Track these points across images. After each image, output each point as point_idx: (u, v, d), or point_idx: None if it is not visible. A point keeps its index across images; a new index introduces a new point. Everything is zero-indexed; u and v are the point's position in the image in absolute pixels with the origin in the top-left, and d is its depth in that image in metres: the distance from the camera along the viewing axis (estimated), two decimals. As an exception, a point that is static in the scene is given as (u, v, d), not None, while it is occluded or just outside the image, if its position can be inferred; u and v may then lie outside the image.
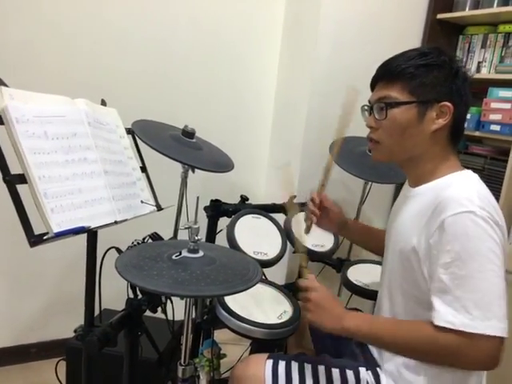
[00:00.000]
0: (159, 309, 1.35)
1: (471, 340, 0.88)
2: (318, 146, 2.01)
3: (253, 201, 1.84)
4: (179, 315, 1.20)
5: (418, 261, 0.99)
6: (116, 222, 1.05)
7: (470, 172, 1.04)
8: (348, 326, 1.01)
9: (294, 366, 1.14)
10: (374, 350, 1.18)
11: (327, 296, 1.06)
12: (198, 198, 1.04)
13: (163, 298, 1.16)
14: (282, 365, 1.14)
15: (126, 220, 1.09)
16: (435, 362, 0.99)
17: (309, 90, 2.03)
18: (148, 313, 1.23)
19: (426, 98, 1.00)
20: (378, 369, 1.11)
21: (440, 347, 0.92)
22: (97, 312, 1.23)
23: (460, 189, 0.96)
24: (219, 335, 1.62)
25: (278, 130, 2.30)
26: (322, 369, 1.12)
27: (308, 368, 1.13)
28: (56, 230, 0.88)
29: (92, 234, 1.08)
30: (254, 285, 0.99)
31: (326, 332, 1.34)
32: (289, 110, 2.21)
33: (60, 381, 1.66)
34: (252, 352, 1.66)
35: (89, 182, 1.02)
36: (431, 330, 0.93)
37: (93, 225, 0.98)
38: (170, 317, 1.43)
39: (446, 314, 0.90)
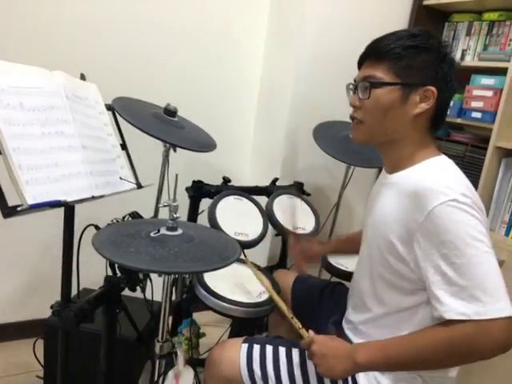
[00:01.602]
0: (139, 289, 1.35)
1: (486, 326, 0.86)
2: (302, 129, 2.01)
3: (236, 183, 1.83)
4: (159, 297, 1.20)
5: (401, 252, 0.98)
6: (93, 197, 1.03)
7: (444, 157, 1.04)
8: (361, 362, 0.96)
9: (269, 349, 1.14)
10: (348, 331, 1.19)
11: (326, 342, 1.01)
12: (176, 175, 1.03)
13: (141, 275, 1.15)
14: (256, 348, 1.14)
15: (103, 196, 1.08)
16: (457, 362, 0.97)
17: (294, 73, 2.02)
18: (129, 293, 1.23)
19: (411, 81, 0.99)
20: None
21: (457, 342, 0.90)
22: (76, 291, 1.22)
23: (438, 177, 0.96)
24: (200, 317, 1.63)
25: (263, 112, 2.29)
26: (295, 352, 1.13)
27: (282, 351, 1.13)
28: (31, 202, 0.86)
29: (69, 209, 1.06)
30: (232, 262, 0.99)
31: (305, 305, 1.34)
32: (274, 93, 2.20)
33: (38, 360, 1.66)
34: (232, 332, 1.68)
35: (66, 155, 1.00)
36: (443, 329, 0.91)
37: (69, 199, 0.96)
38: (150, 297, 1.43)
39: (456, 306, 0.88)
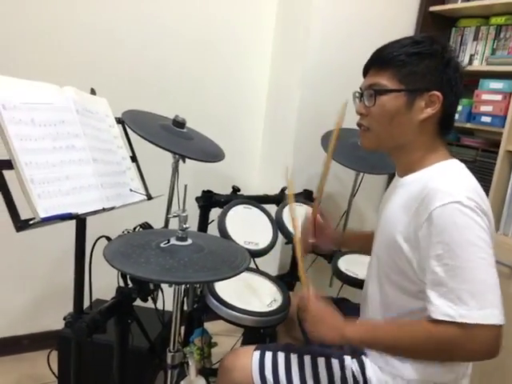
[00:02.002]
0: (151, 299, 1.36)
1: (469, 331, 0.87)
2: (310, 137, 2.01)
3: (245, 192, 1.84)
4: (171, 306, 1.21)
5: (406, 251, 0.99)
6: (104, 209, 1.05)
7: (456, 161, 1.04)
8: (349, 336, 1.00)
9: (281, 356, 1.14)
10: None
11: (325, 308, 1.05)
12: (185, 185, 1.04)
13: (151, 286, 1.16)
14: (268, 355, 1.15)
15: (114, 208, 1.09)
16: (437, 358, 0.98)
17: (300, 82, 2.03)
18: (142, 304, 1.23)
19: (416, 87, 1.00)
20: (363, 356, 1.11)
21: (438, 341, 0.91)
22: (89, 302, 1.24)
23: (446, 179, 0.97)
24: (212, 327, 1.63)
25: (271, 121, 2.30)
26: (307, 358, 1.13)
27: (294, 358, 1.13)
28: (43, 215, 0.88)
29: (80, 222, 1.08)
30: (241, 271, 1.00)
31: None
32: (281, 102, 2.21)
33: (52, 371, 1.67)
34: (244, 341, 1.67)
35: (76, 169, 1.02)
36: (429, 325, 0.92)
37: (80, 211, 0.98)
38: (161, 307, 1.44)
39: (442, 307, 0.89)
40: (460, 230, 0.89)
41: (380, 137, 1.07)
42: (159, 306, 1.43)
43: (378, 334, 1.00)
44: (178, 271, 0.94)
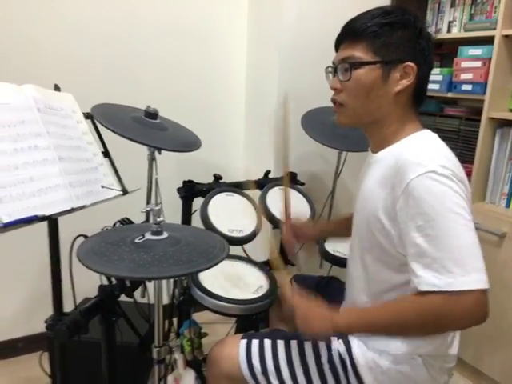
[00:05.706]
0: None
1: (455, 298, 0.86)
2: (291, 118, 1.97)
3: (230, 179, 1.81)
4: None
5: (386, 226, 0.98)
6: (73, 209, 1.02)
7: (428, 132, 1.03)
8: (339, 323, 0.98)
9: (267, 343, 1.14)
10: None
11: (310, 302, 1.03)
12: (156, 179, 1.03)
13: (127, 283, 1.14)
14: (255, 343, 1.15)
15: (84, 206, 1.06)
16: (429, 331, 0.97)
17: (277, 62, 1.99)
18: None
19: (390, 59, 0.98)
20: (349, 337, 1.10)
21: (429, 313, 0.90)
22: (79, 302, 1.22)
23: (417, 150, 0.95)
24: (208, 315, 1.62)
25: (252, 104, 2.26)
26: (294, 343, 1.13)
27: (281, 344, 1.13)
28: (6, 220, 0.85)
29: (52, 222, 1.06)
30: (218, 262, 0.98)
31: None
32: (260, 84, 2.17)
33: (46, 372, 1.67)
34: (237, 329, 1.67)
35: (41, 169, 0.99)
36: (416, 298, 0.91)
37: (48, 213, 0.96)
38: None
39: (427, 278, 0.88)
40: (438, 198, 0.88)
41: (357, 112, 1.05)
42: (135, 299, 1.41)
43: (368, 316, 0.98)
44: (152, 266, 0.93)
